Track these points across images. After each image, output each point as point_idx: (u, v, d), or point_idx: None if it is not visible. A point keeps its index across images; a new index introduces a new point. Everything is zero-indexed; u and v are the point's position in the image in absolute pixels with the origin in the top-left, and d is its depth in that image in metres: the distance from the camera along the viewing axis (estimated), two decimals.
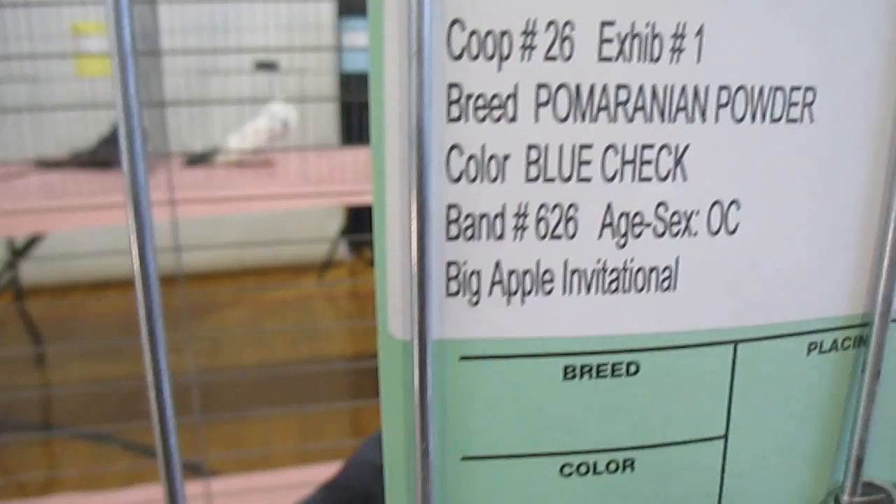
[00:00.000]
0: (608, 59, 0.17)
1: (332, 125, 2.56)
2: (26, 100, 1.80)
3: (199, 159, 2.03)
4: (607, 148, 0.17)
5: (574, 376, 0.19)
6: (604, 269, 0.18)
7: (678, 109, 0.18)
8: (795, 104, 0.18)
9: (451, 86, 0.17)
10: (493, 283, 0.18)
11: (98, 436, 1.81)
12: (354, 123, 2.38)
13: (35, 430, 1.87)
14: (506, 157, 0.17)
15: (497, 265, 0.18)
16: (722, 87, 0.18)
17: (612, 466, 0.19)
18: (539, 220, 0.18)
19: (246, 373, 2.13)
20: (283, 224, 2.63)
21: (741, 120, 0.18)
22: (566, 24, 0.16)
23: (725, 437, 0.20)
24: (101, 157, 1.94)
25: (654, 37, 0.17)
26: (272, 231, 2.64)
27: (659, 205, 0.18)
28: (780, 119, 0.18)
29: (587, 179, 0.17)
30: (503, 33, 0.16)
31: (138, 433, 1.76)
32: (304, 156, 1.91)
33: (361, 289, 2.84)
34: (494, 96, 0.17)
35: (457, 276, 0.18)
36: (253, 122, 1.97)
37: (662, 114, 0.18)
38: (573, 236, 0.18)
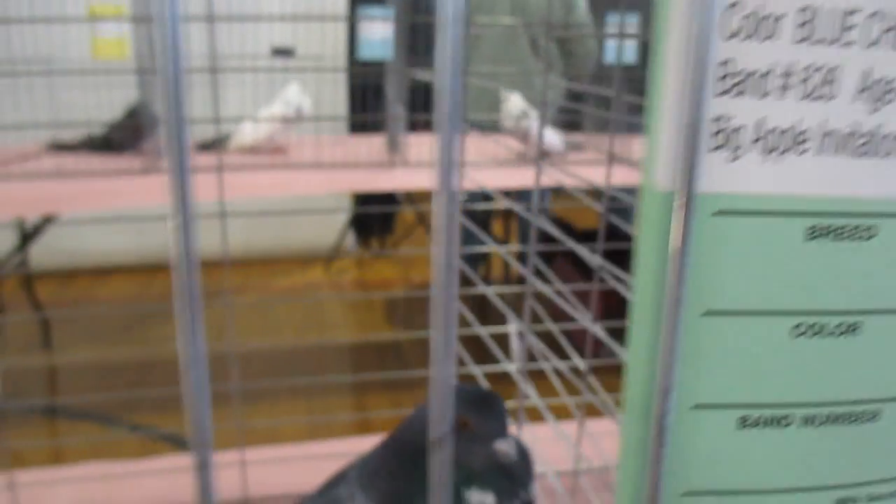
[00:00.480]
0: None
1: (343, 113, 2.57)
2: (42, 82, 1.79)
3: (210, 145, 2.03)
4: (872, 14, 0.18)
5: (816, 236, 0.19)
6: (855, 133, 0.19)
7: None
8: None
9: None
10: (754, 140, 0.19)
11: (105, 418, 1.81)
12: (364, 110, 2.37)
13: (42, 411, 1.86)
14: (779, 18, 0.18)
15: (760, 122, 0.19)
16: None
17: (841, 329, 0.20)
18: (803, 81, 0.19)
19: (253, 357, 2.13)
20: (290, 215, 2.63)
21: None
22: None
23: None
24: (112, 141, 1.94)
25: None
26: (280, 221, 2.64)
27: None
28: None
29: (850, 44, 0.18)
30: None
31: (145, 416, 1.76)
32: (317, 143, 1.91)
33: (367, 279, 2.84)
34: None
35: (721, 132, 0.19)
36: (267, 108, 1.97)
37: None
38: (832, 99, 0.19)
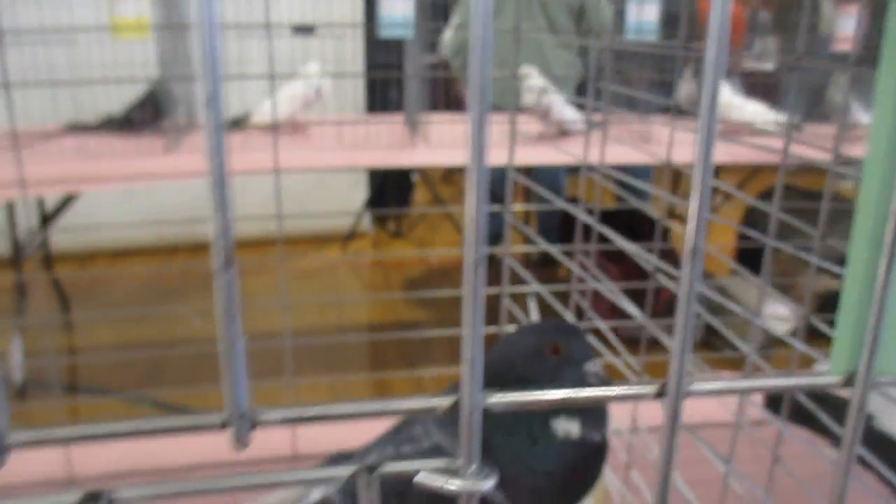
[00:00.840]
0: None
1: (361, 93, 2.57)
2: (63, 63, 1.80)
3: (231, 125, 2.04)
4: None
5: None
6: None
7: None
8: None
9: None
10: None
11: (127, 395, 1.83)
12: (382, 91, 2.37)
13: (64, 389, 1.87)
14: None
15: None
16: None
17: None
18: None
19: (274, 339, 2.14)
20: (308, 195, 2.64)
21: None
22: None
23: None
24: (132, 121, 1.94)
25: None
26: (298, 202, 2.64)
27: None
28: None
29: None
30: None
31: (167, 393, 1.78)
32: (337, 121, 1.91)
33: (385, 258, 2.85)
34: None
35: None
36: (287, 88, 1.98)
37: None
38: None
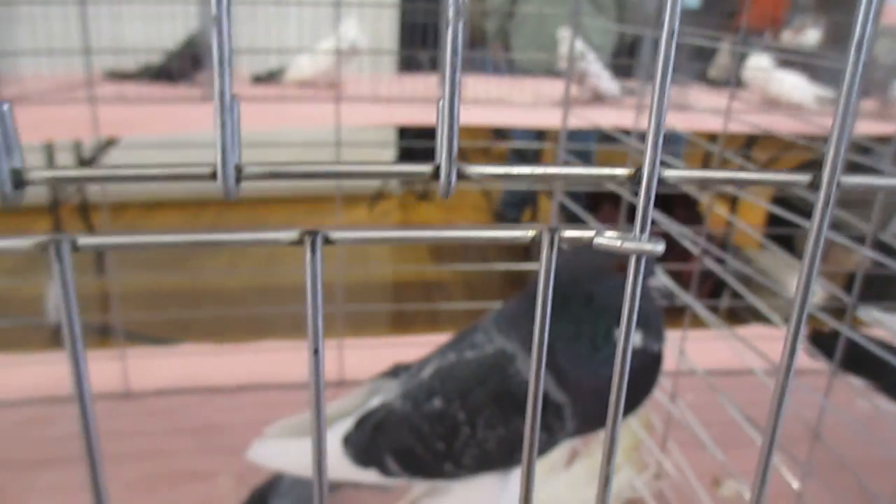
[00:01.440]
0: None
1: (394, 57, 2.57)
2: (106, 12, 1.82)
3: (265, 78, 2.06)
4: None
5: None
6: None
7: None
8: None
9: None
10: None
11: (158, 339, 1.87)
12: (416, 45, 2.36)
13: (97, 331, 1.93)
14: None
15: None
16: None
17: None
18: None
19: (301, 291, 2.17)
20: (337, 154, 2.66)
21: None
22: None
23: None
24: (171, 70, 1.96)
25: None
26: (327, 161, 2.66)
27: None
28: None
29: None
30: None
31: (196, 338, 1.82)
32: (372, 79, 1.92)
33: (411, 220, 2.87)
34: None
35: None
36: (322, 42, 1.99)
37: None
38: None
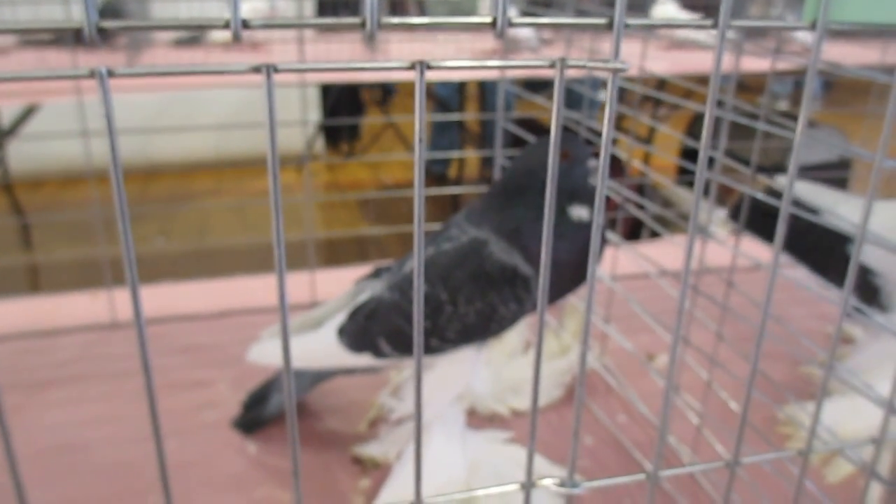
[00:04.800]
0: None
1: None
2: None
3: (187, 41, 2.05)
4: None
5: None
6: None
7: None
8: None
9: None
10: None
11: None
12: (334, 10, 2.40)
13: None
14: None
15: None
16: None
17: None
18: None
19: (233, 252, 2.20)
20: (258, 116, 2.67)
21: None
22: None
23: None
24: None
25: None
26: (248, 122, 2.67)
27: None
28: None
29: None
30: None
31: None
32: (296, 38, 1.95)
33: (339, 181, 2.92)
34: None
35: None
36: (246, 4, 2.00)
37: None
38: None
